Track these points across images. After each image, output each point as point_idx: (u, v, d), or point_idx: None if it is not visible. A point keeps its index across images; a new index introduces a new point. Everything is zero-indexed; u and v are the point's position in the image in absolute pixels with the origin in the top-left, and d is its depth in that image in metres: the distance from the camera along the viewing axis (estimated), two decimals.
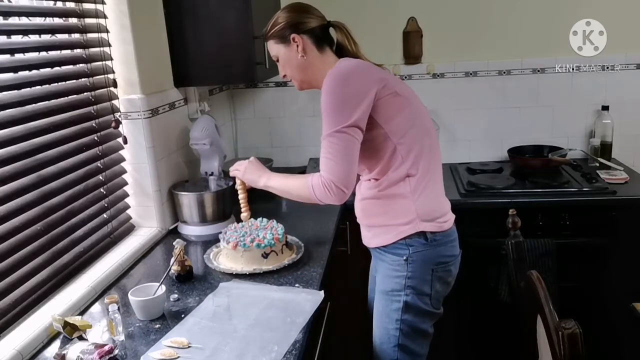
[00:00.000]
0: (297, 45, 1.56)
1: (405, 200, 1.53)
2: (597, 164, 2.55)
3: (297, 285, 1.56)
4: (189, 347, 1.26)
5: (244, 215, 1.78)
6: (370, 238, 1.64)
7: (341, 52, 1.62)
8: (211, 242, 1.87)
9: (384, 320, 1.60)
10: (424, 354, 1.64)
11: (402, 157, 1.51)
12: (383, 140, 1.51)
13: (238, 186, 1.75)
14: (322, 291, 1.50)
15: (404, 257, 1.54)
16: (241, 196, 1.75)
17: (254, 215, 1.82)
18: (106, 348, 1.20)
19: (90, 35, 1.73)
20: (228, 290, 1.55)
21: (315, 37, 1.57)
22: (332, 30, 1.62)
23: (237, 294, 1.52)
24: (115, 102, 1.83)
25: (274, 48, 1.61)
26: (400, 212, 1.54)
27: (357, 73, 1.49)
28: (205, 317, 1.40)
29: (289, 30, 1.56)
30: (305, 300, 1.46)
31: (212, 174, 2.16)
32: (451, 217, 1.62)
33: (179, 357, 1.23)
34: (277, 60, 1.63)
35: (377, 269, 1.66)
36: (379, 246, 1.60)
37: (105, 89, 1.79)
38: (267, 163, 2.62)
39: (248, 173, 1.70)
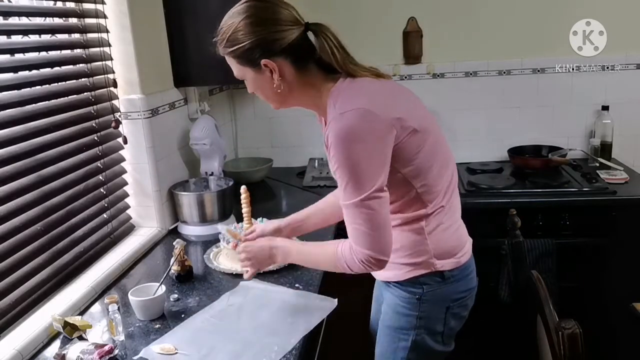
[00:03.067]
0: (272, 72, 1.24)
1: (420, 237, 1.33)
2: (597, 164, 2.55)
3: (297, 285, 1.56)
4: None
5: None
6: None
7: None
8: (211, 242, 1.87)
9: (387, 357, 1.45)
10: None
11: (423, 202, 1.31)
12: (401, 184, 1.29)
13: (243, 201, 1.70)
14: (336, 299, 1.48)
15: (417, 296, 1.36)
16: (245, 210, 1.70)
17: (254, 215, 1.81)
18: (106, 348, 1.21)
19: (90, 35, 1.73)
20: (247, 289, 1.54)
21: (294, 55, 1.24)
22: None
23: (254, 295, 1.51)
24: (115, 102, 1.83)
25: (236, 67, 1.29)
26: (413, 251, 1.34)
27: (371, 122, 1.18)
28: (214, 315, 1.41)
29: (257, 52, 1.22)
30: (317, 308, 1.44)
31: (212, 174, 2.16)
32: (469, 246, 1.43)
33: (177, 352, 1.24)
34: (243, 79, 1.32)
35: (383, 297, 1.49)
36: (388, 280, 1.42)
37: (105, 89, 1.79)
38: (267, 163, 2.62)
39: (260, 263, 1.45)
